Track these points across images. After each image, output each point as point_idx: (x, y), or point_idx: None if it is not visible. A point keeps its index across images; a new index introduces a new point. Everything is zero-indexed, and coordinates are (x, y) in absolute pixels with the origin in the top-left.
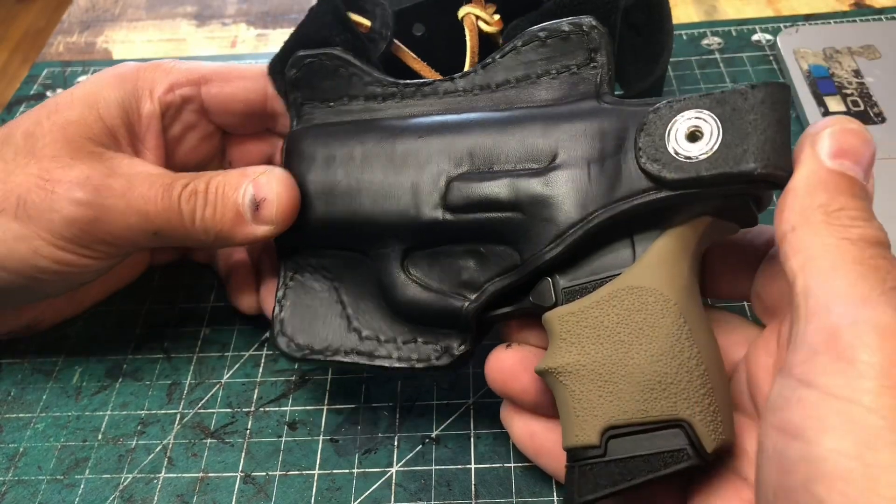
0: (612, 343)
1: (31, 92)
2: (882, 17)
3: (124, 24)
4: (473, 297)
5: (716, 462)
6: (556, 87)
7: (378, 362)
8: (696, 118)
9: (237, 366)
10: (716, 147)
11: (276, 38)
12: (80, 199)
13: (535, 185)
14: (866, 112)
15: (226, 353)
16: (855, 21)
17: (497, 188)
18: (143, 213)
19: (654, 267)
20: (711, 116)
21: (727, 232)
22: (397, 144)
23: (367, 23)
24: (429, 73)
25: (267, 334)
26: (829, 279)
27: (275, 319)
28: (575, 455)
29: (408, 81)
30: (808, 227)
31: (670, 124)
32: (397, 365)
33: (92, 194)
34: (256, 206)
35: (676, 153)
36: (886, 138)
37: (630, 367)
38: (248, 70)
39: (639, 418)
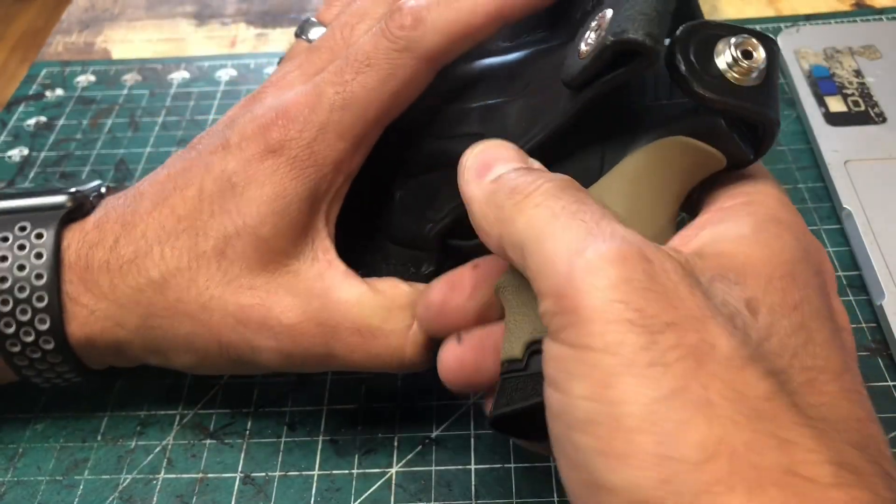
0: None
1: (30, 92)
2: (883, 17)
3: (123, 23)
4: (438, 218)
5: None
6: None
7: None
8: (602, 10)
9: None
10: (604, 29)
11: (276, 38)
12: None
13: (499, 114)
14: (867, 112)
15: None
16: (856, 21)
17: (469, 116)
18: None
19: (615, 187)
20: None
21: (712, 166)
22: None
23: None
24: None
25: None
26: (539, 246)
27: None
28: (502, 369)
29: None
30: (503, 225)
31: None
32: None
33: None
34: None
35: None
36: (887, 138)
37: None
38: None
39: None
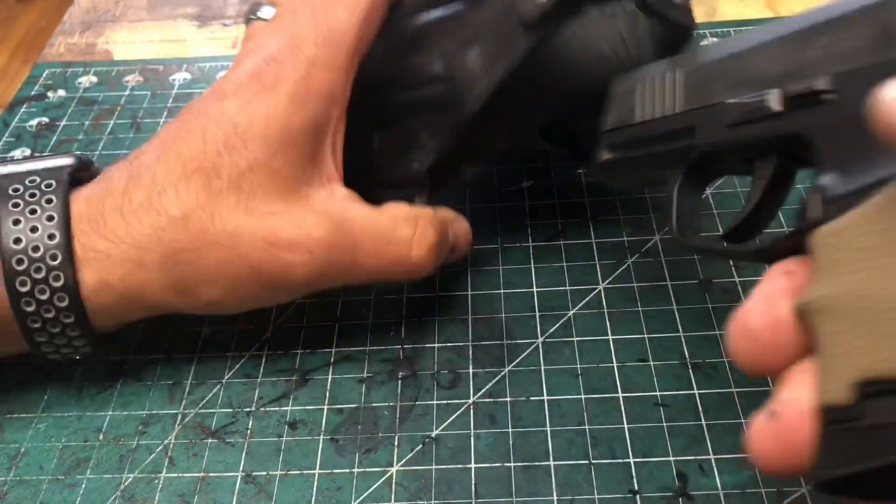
0: (877, 269)
1: (32, 93)
2: None
3: (125, 24)
4: (423, 156)
5: None
6: None
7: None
8: None
9: (238, 366)
10: None
11: None
12: None
13: (460, 58)
14: None
15: (226, 354)
16: None
17: (433, 64)
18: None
19: None
20: None
21: None
22: None
23: None
24: None
25: (267, 335)
26: None
27: None
28: (825, 417)
29: None
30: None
31: None
32: None
33: None
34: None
35: None
36: None
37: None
38: None
39: None
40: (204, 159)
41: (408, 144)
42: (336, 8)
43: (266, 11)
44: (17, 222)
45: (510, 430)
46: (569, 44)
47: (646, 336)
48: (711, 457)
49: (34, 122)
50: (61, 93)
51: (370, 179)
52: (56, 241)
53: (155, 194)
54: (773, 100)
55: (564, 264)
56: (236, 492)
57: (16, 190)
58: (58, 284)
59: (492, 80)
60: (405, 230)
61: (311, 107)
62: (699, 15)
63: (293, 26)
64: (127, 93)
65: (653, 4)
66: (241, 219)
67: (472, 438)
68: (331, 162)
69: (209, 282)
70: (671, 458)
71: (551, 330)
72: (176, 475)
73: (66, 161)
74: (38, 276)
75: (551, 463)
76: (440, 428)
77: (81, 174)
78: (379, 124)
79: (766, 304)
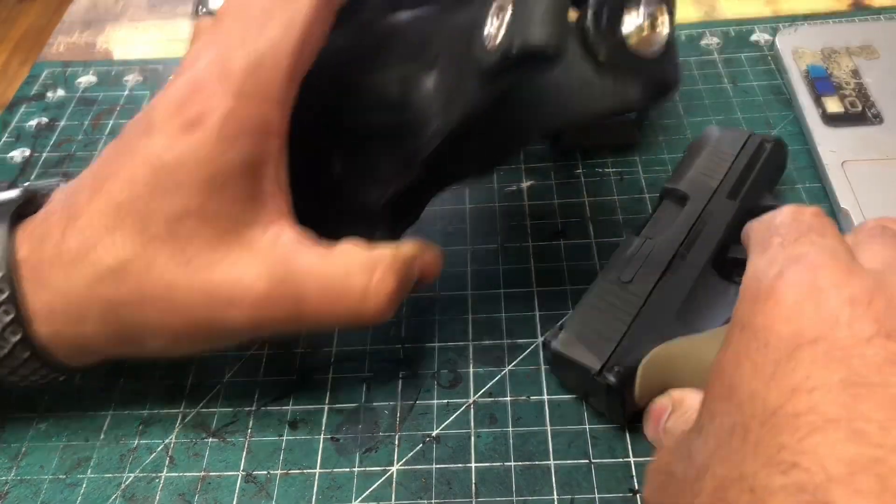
0: None
1: (32, 92)
2: (881, 16)
3: (125, 23)
4: (383, 189)
5: None
6: None
7: None
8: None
9: (238, 365)
10: (503, 31)
11: None
12: None
13: (416, 85)
14: (864, 112)
15: (227, 353)
16: (854, 21)
17: (389, 88)
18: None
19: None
20: None
21: None
22: None
23: None
24: None
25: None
26: None
27: None
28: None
29: None
30: None
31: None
32: None
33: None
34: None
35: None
36: (884, 139)
37: None
38: None
39: None
40: (136, 204)
41: (368, 172)
42: (270, 24)
43: (215, 2)
44: None
45: (510, 429)
46: (539, 88)
47: None
48: None
49: (34, 121)
50: (61, 92)
51: (331, 206)
52: (5, 295)
53: (90, 243)
54: None
55: (564, 264)
56: (237, 491)
57: None
58: (8, 319)
59: (446, 124)
60: (359, 279)
61: (243, 144)
62: (697, 13)
63: (225, 42)
64: (126, 92)
65: (614, 61)
66: (178, 271)
67: (472, 438)
68: (275, 199)
69: (152, 335)
70: None
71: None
72: (177, 474)
73: (10, 196)
74: None
75: (551, 462)
76: (440, 427)
77: (25, 209)
78: (339, 146)
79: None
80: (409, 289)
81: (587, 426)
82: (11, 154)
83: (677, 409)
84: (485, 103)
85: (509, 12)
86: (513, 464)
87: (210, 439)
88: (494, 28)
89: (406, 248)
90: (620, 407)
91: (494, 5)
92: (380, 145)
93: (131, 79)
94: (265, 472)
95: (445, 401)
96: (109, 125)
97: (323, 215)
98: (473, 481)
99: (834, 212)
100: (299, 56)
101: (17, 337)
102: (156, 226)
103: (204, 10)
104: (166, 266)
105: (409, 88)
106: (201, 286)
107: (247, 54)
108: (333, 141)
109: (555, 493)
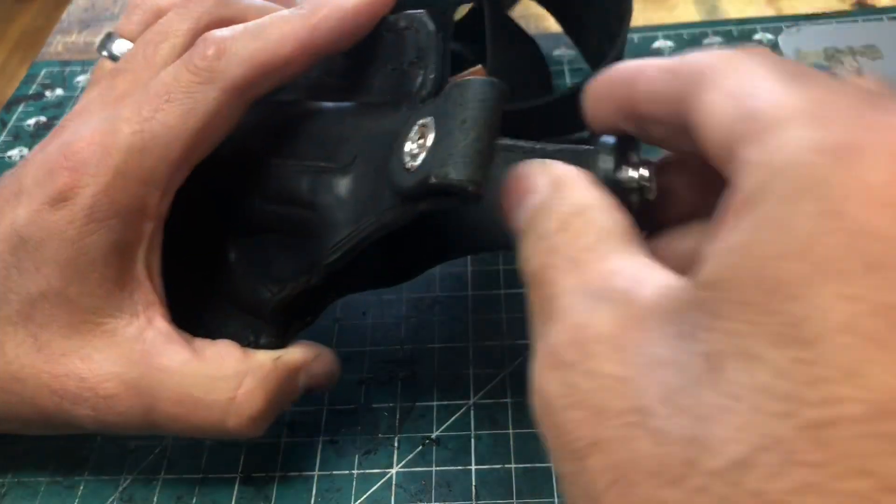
0: None
1: (30, 92)
2: (884, 17)
3: None
4: (276, 290)
5: None
6: (387, 83)
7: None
8: (427, 118)
9: None
10: (424, 155)
11: None
12: None
13: (329, 185)
14: None
15: None
16: (857, 21)
17: (298, 182)
18: None
19: None
20: (433, 117)
21: None
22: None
23: None
24: None
25: None
26: None
27: None
28: None
29: None
30: None
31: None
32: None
33: None
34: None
35: (405, 159)
36: None
37: None
38: None
39: None
40: None
41: (262, 267)
42: (168, 108)
43: (119, 46)
44: None
45: (511, 431)
46: (464, 211)
47: None
48: None
49: (32, 121)
50: (59, 92)
51: (219, 294)
52: None
53: None
54: None
55: None
56: (235, 493)
57: None
58: None
59: (355, 234)
60: (223, 391)
61: (113, 225)
62: (699, 13)
63: (117, 110)
64: None
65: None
66: (28, 358)
67: (472, 440)
68: (145, 286)
69: (3, 420)
70: None
71: None
72: (174, 476)
73: None
74: None
75: (552, 464)
76: (440, 429)
77: None
78: (236, 233)
79: None
80: (288, 401)
81: None
82: (9, 153)
83: (556, 196)
84: (400, 222)
85: (431, 136)
86: (513, 466)
87: (208, 441)
88: (416, 147)
89: (291, 355)
90: None
91: (419, 123)
92: (279, 241)
93: None
94: (263, 475)
95: (445, 402)
96: None
97: (212, 301)
98: (474, 484)
99: None
100: (193, 149)
101: None
102: (9, 307)
103: (105, 53)
104: (17, 351)
105: (319, 187)
106: (49, 379)
107: (135, 132)
108: (229, 224)
109: (556, 495)
